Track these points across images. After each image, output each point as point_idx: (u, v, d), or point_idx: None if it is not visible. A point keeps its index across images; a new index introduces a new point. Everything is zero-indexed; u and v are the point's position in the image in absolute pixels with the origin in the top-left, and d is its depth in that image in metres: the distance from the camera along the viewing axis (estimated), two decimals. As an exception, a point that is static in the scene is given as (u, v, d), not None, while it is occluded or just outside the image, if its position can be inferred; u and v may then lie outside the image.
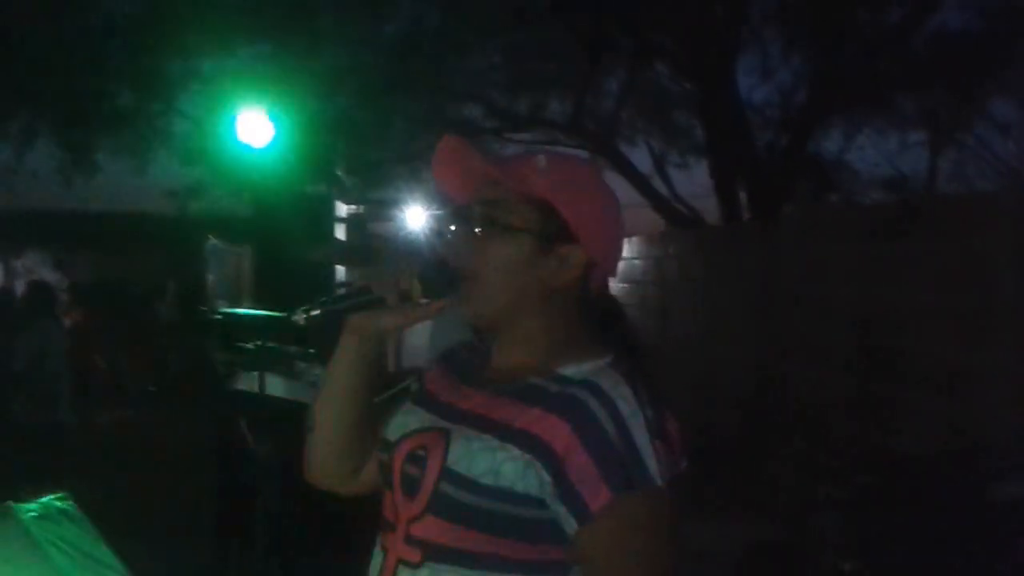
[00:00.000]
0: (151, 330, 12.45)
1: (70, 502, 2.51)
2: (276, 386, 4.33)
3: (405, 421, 1.52)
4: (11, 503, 2.36)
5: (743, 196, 8.90)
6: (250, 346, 4.52)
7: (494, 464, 1.36)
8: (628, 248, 9.09)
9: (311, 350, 4.44)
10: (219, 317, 5.12)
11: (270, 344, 4.51)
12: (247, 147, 7.20)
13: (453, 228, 1.52)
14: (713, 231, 8.69)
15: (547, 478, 1.34)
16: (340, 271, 8.96)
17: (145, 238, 14.54)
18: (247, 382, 4.29)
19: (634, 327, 1.54)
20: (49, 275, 15.68)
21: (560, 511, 1.35)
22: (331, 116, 8.99)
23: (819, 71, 8.52)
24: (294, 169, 7.79)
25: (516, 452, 1.36)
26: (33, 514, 2.36)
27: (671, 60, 9.34)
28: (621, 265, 7.32)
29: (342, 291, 1.60)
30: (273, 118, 7.12)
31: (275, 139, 7.09)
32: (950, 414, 4.26)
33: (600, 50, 8.93)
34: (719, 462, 6.34)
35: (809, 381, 5.51)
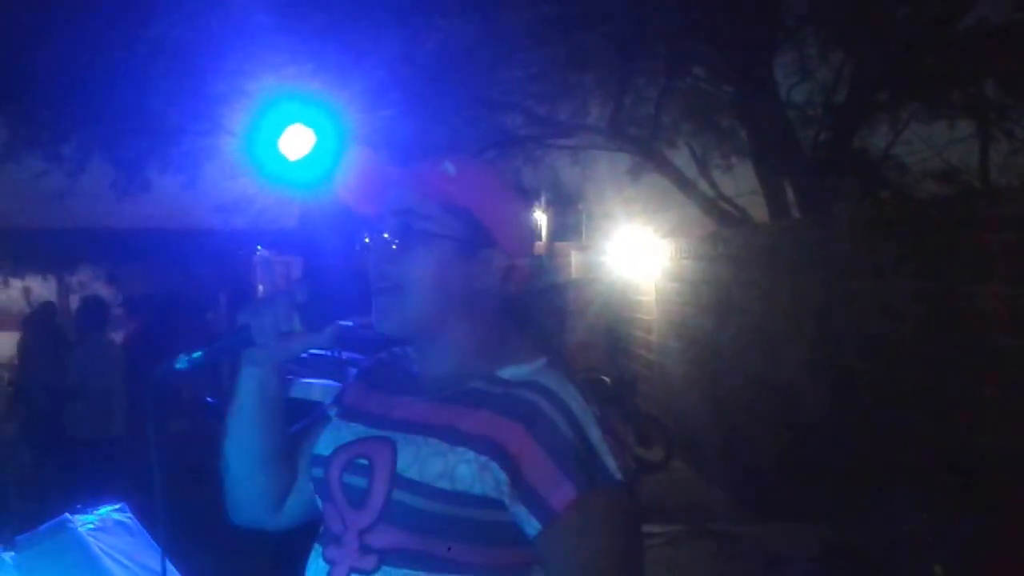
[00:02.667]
0: (204, 341, 12.61)
1: (128, 514, 2.53)
2: (330, 394, 4.36)
3: (336, 435, 1.52)
4: (69, 515, 2.39)
5: (790, 194, 8.82)
6: (303, 353, 4.54)
7: (447, 467, 1.36)
8: (679, 248, 9.06)
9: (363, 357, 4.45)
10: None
11: (322, 351, 4.53)
12: (291, 161, 7.26)
13: (368, 240, 1.50)
14: (766, 229, 8.62)
15: (504, 479, 1.34)
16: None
17: (195, 252, 14.73)
18: (301, 390, 4.31)
19: (548, 328, 1.58)
20: (103, 290, 15.95)
21: (521, 512, 1.35)
22: (373, 129, 9.04)
23: (860, 67, 8.42)
24: (337, 180, 7.85)
25: (470, 454, 1.36)
26: (91, 526, 2.39)
27: (708, 64, 9.29)
28: (674, 265, 7.35)
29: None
30: (317, 132, 7.16)
31: (319, 152, 7.12)
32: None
33: (636, 56, 8.91)
34: (787, 463, 6.27)
35: (876, 378, 5.41)
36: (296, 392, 4.19)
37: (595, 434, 1.37)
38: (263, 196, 10.93)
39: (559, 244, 15.14)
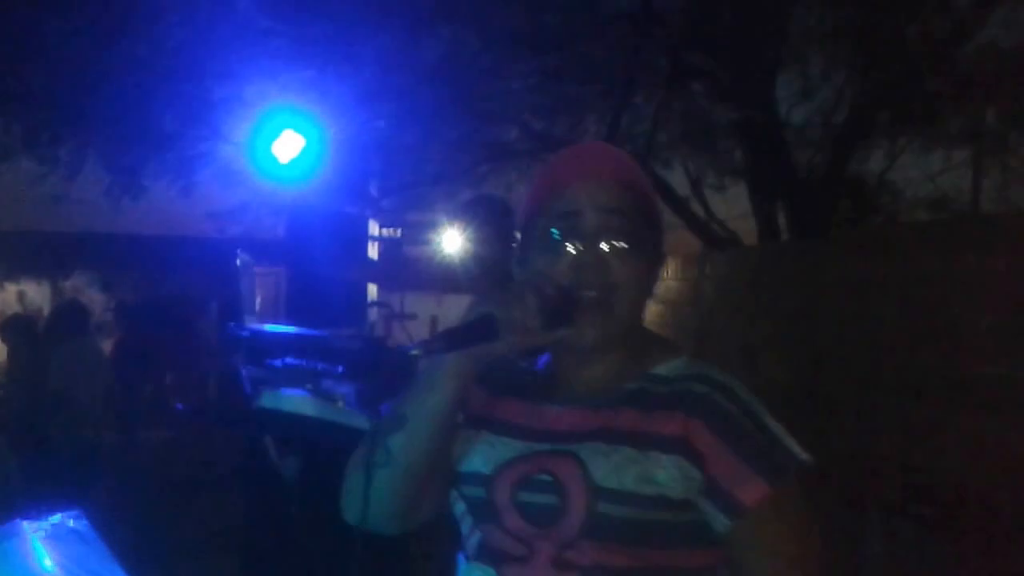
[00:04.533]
0: (194, 350, 12.58)
1: (83, 520, 2.50)
2: (303, 404, 4.33)
3: (492, 452, 1.45)
4: (21, 521, 2.36)
5: (782, 217, 8.81)
6: (277, 363, 4.52)
7: (645, 473, 1.33)
8: (664, 270, 9.04)
9: (339, 368, 4.43)
10: (246, 334, 5.12)
11: (297, 361, 4.51)
12: (284, 168, 7.26)
13: (582, 246, 1.40)
14: (752, 251, 8.60)
15: (697, 476, 1.33)
16: (372, 291, 9.00)
17: (189, 260, 14.71)
18: (272, 400, 4.29)
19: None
20: (97, 296, 15.93)
21: (709, 509, 1.34)
22: (368, 139, 9.05)
23: (861, 90, 8.42)
24: (330, 190, 7.83)
25: (662, 458, 1.33)
26: (43, 533, 2.36)
27: (709, 81, 9.29)
28: (658, 287, 7.28)
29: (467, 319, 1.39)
30: (311, 140, 7.16)
31: (312, 161, 7.13)
32: (1008, 439, 4.13)
33: (636, 71, 8.91)
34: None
35: (855, 403, 5.39)
36: (268, 402, 4.18)
37: (771, 421, 1.39)
38: (256, 205, 10.92)
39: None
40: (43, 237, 15.82)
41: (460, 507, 1.49)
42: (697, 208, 10.25)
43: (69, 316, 6.88)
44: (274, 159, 7.51)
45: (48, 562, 2.29)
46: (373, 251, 8.10)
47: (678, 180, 10.47)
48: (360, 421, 4.24)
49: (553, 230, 1.41)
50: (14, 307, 15.58)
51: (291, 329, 5.32)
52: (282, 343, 4.76)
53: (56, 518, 2.46)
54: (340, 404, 4.36)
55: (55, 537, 2.40)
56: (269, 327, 5.54)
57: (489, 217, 3.27)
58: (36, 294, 16.56)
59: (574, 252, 1.40)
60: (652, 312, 9.31)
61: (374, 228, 8.84)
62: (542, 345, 1.45)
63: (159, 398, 11.32)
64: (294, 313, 6.67)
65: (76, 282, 17.06)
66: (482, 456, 1.45)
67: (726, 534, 1.34)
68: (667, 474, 1.33)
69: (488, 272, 3.20)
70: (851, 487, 5.03)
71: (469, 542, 1.48)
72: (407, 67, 8.94)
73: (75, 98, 9.24)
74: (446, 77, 8.89)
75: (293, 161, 7.24)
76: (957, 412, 4.42)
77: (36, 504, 2.51)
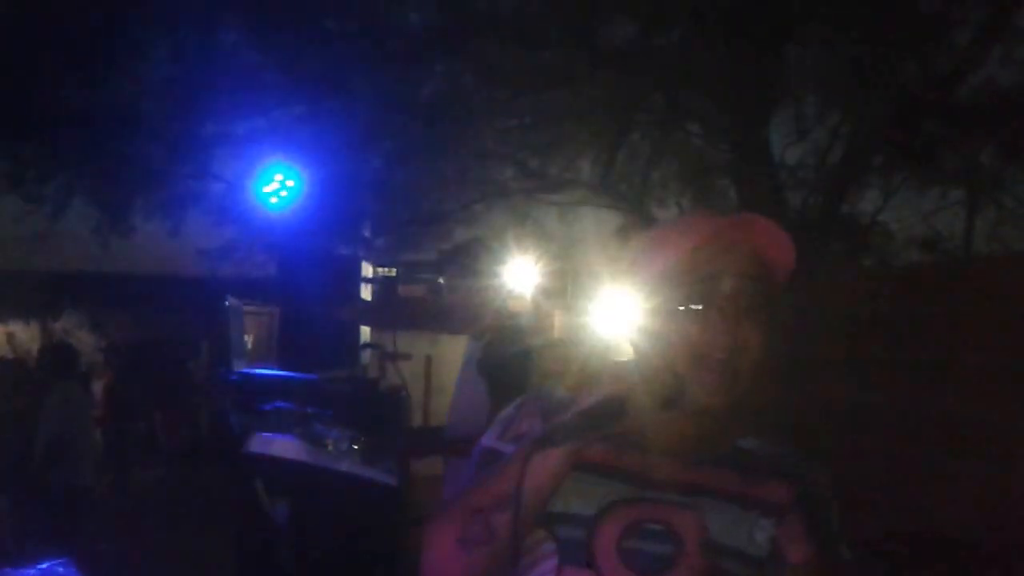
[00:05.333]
0: (185, 390, 12.52)
1: (72, 568, 2.46)
2: (292, 449, 4.29)
3: (592, 493, 1.43)
4: (8, 570, 2.33)
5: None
6: (267, 407, 4.48)
7: (749, 534, 1.39)
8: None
9: (329, 412, 4.39)
10: (236, 378, 5.09)
11: (287, 405, 4.47)
12: (276, 208, 7.24)
13: (718, 309, 1.41)
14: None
15: (774, 537, 1.40)
16: (365, 332, 8.95)
17: (179, 299, 14.66)
18: (261, 444, 4.24)
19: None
20: (86, 336, 15.86)
21: (767, 566, 1.40)
22: (361, 177, 9.04)
23: (856, 130, 8.44)
24: (322, 230, 7.82)
25: (763, 521, 1.40)
26: (30, 581, 2.31)
27: (703, 121, 9.32)
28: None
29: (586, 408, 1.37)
30: (303, 179, 7.15)
31: (304, 200, 7.12)
32: (991, 481, 4.12)
33: (632, 111, 8.93)
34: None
35: (839, 445, 5.37)
36: (257, 447, 4.13)
37: (838, 517, 1.46)
38: (247, 243, 10.87)
39: (544, 303, 15.08)
40: (32, 277, 15.77)
41: (546, 549, 1.44)
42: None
43: (58, 359, 6.82)
44: (265, 198, 7.51)
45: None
46: (366, 292, 8.06)
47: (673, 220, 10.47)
48: (349, 466, 4.20)
49: (692, 294, 1.41)
50: (3, 349, 15.51)
51: (281, 372, 5.30)
52: (272, 386, 4.73)
53: (45, 566, 2.43)
54: (330, 448, 4.31)
55: (42, 586, 2.37)
56: (259, 371, 5.52)
57: (475, 263, 3.26)
58: (25, 335, 16.48)
59: (711, 315, 1.40)
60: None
61: (367, 269, 8.79)
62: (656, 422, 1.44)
63: (150, 440, 11.24)
64: (286, 354, 6.64)
65: (66, 323, 16.99)
66: (581, 497, 1.43)
67: None
68: (763, 538, 1.39)
69: (480, 314, 3.18)
70: (842, 527, 4.99)
71: None
72: (401, 105, 8.96)
73: (62, 135, 9.23)
74: (440, 115, 8.90)
75: (283, 200, 7.24)
76: (942, 453, 4.41)
77: (24, 551, 2.46)
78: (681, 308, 1.42)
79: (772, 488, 1.42)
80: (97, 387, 10.26)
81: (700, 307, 1.41)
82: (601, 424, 1.33)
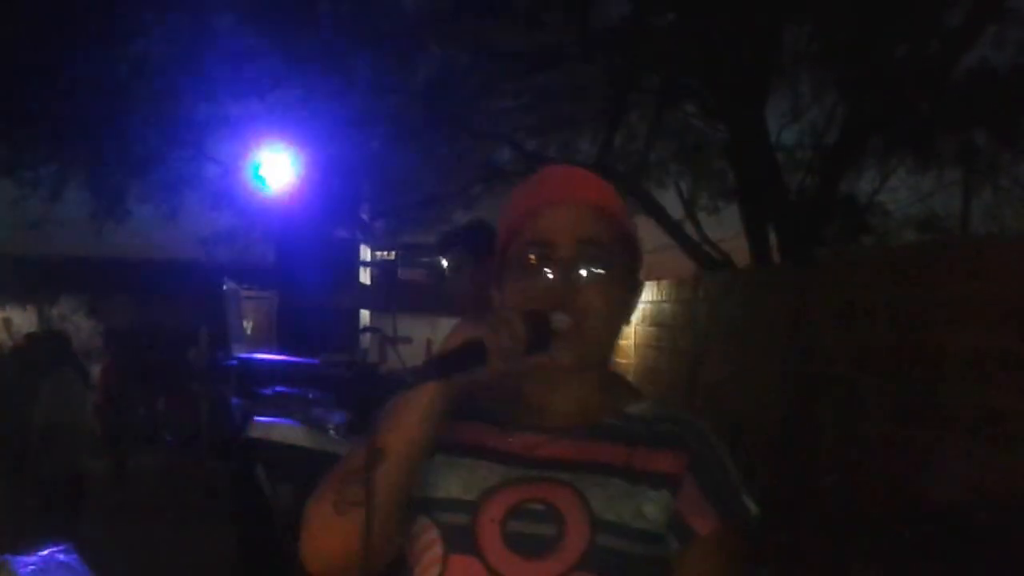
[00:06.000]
0: (184, 376, 12.49)
1: (73, 554, 2.46)
2: (293, 433, 4.28)
3: (472, 477, 1.39)
4: (9, 557, 2.32)
5: (773, 239, 8.79)
6: (267, 392, 4.48)
7: (636, 507, 1.33)
8: (658, 292, 9.02)
9: (330, 395, 4.39)
10: (235, 363, 5.08)
11: (287, 390, 4.47)
12: (273, 191, 7.22)
13: (557, 272, 1.38)
14: (745, 274, 8.57)
15: (673, 506, 1.35)
16: (365, 316, 8.95)
17: (177, 285, 14.65)
18: (262, 429, 4.24)
19: None
20: (83, 321, 15.85)
21: (669, 536, 1.35)
22: (358, 161, 9.02)
23: (853, 110, 8.43)
24: (320, 213, 7.81)
25: (652, 493, 1.34)
26: (32, 567, 2.31)
27: (699, 102, 9.31)
28: (653, 309, 7.25)
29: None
30: (300, 163, 7.13)
31: (301, 183, 7.10)
32: (995, 461, 4.12)
33: (627, 92, 8.91)
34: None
35: (843, 426, 5.38)
36: (257, 432, 4.12)
37: (734, 470, 1.41)
38: (246, 229, 10.85)
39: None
40: (28, 262, 15.75)
41: (429, 536, 1.39)
42: (690, 230, 10.24)
43: (50, 347, 6.81)
44: (262, 181, 7.49)
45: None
46: (365, 276, 8.05)
47: (671, 202, 10.47)
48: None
49: (530, 255, 1.39)
50: (0, 334, 15.49)
51: (281, 357, 5.28)
52: (272, 371, 4.72)
53: (45, 552, 2.42)
54: (331, 432, 4.31)
55: (44, 571, 2.36)
56: (259, 355, 5.50)
57: (484, 243, 3.24)
58: (22, 321, 16.45)
59: (550, 278, 1.38)
60: (648, 335, 9.29)
61: (366, 253, 8.78)
62: (521, 370, 1.38)
63: (149, 425, 11.24)
64: (286, 339, 6.63)
65: (63, 308, 16.97)
66: (461, 481, 1.39)
67: (674, 560, 1.36)
68: (654, 508, 1.34)
69: (484, 297, 3.16)
70: (839, 508, 5.01)
71: (422, 568, 1.40)
72: (398, 88, 8.94)
73: (57, 119, 9.19)
74: (438, 98, 8.87)
75: (280, 183, 7.23)
76: (944, 435, 4.41)
77: (25, 538, 2.46)
78: (524, 269, 1.39)
79: (660, 458, 1.37)
80: (94, 371, 10.25)
81: (540, 270, 1.38)
82: (461, 366, 1.28)
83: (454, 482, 1.39)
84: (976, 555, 3.65)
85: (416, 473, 1.35)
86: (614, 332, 1.43)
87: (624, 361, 10.25)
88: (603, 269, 1.38)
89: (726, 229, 10.14)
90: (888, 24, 7.75)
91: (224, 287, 8.56)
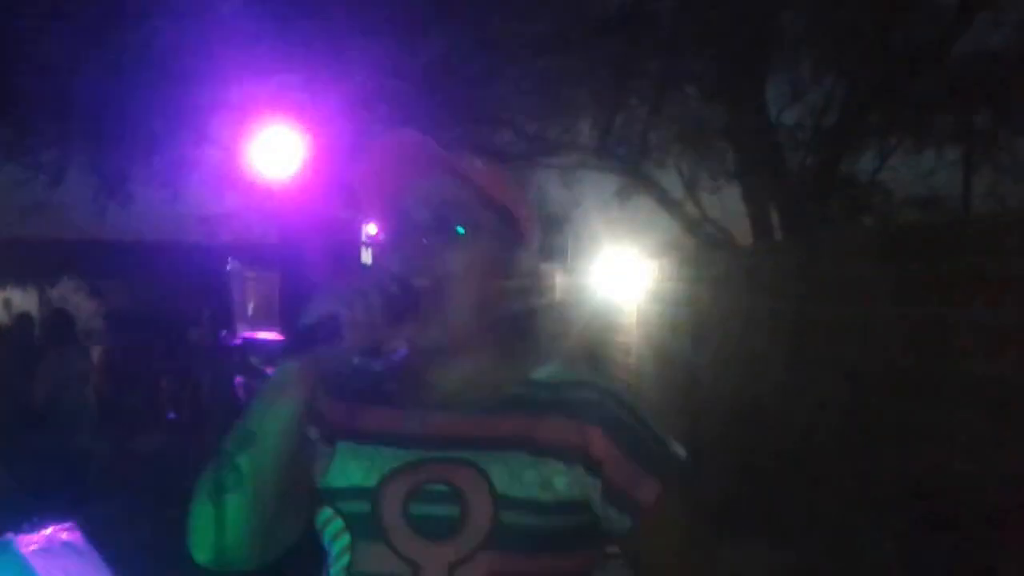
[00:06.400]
0: (185, 356, 12.52)
1: (77, 533, 2.46)
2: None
3: (371, 463, 1.36)
4: (12, 535, 2.32)
5: (775, 218, 8.81)
6: (269, 371, 4.49)
7: (543, 479, 1.30)
8: (661, 270, 9.03)
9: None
10: (239, 342, 5.09)
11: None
12: (275, 173, 7.22)
13: (410, 237, 1.36)
14: (747, 252, 8.58)
15: (592, 482, 1.31)
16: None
17: (179, 266, 14.66)
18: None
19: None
20: (85, 303, 15.87)
21: (611, 514, 1.33)
22: (360, 142, 9.00)
23: (852, 90, 8.43)
24: (321, 195, 7.82)
25: (559, 465, 1.31)
26: (35, 547, 2.32)
27: (700, 84, 9.29)
28: (655, 287, 7.22)
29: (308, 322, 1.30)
30: (302, 145, 7.12)
31: (303, 165, 7.10)
32: (1003, 437, 4.11)
33: (628, 74, 8.90)
34: (755, 488, 6.22)
35: (851, 403, 5.38)
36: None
37: (653, 423, 1.39)
38: (247, 210, 10.88)
39: (544, 265, 15.05)
40: (29, 244, 15.76)
41: (335, 526, 1.37)
42: (692, 209, 10.25)
43: (58, 325, 6.84)
44: (264, 163, 7.48)
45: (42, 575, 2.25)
46: (367, 255, 8.06)
47: (672, 182, 10.48)
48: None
49: (388, 226, 1.39)
50: (0, 315, 15.52)
51: (284, 337, 5.28)
52: (275, 351, 4.72)
53: (49, 531, 2.42)
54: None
55: (49, 551, 2.36)
56: (262, 335, 5.50)
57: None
58: (22, 302, 16.48)
59: (408, 245, 1.36)
60: (650, 312, 9.31)
61: (367, 232, 8.79)
62: (392, 344, 1.40)
63: (151, 406, 11.27)
64: (288, 319, 6.63)
65: (63, 289, 16.99)
66: (360, 468, 1.36)
67: (626, 534, 1.35)
68: (565, 480, 1.31)
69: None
70: (851, 486, 5.02)
71: (338, 564, 1.37)
72: (400, 71, 8.92)
73: (59, 102, 9.18)
74: (439, 81, 8.86)
75: (282, 165, 7.22)
76: (954, 411, 4.40)
77: (28, 517, 2.47)
78: (385, 241, 1.39)
79: (568, 428, 1.33)
80: (95, 353, 10.28)
81: (399, 239, 1.37)
82: (316, 342, 1.27)
83: (354, 470, 1.36)
84: (988, 532, 3.65)
85: (291, 455, 1.32)
86: (482, 296, 1.37)
87: (626, 339, 10.28)
88: (461, 231, 1.35)
89: (727, 209, 10.15)
90: (886, 4, 7.75)
91: (228, 267, 8.61)
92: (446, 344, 1.37)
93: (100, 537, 2.49)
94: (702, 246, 9.58)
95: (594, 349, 12.11)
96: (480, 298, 1.37)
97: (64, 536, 2.42)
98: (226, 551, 1.32)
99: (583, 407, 1.34)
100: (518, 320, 1.44)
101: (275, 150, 7.61)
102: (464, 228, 1.35)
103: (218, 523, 1.30)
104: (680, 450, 1.39)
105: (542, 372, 1.41)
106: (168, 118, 9.57)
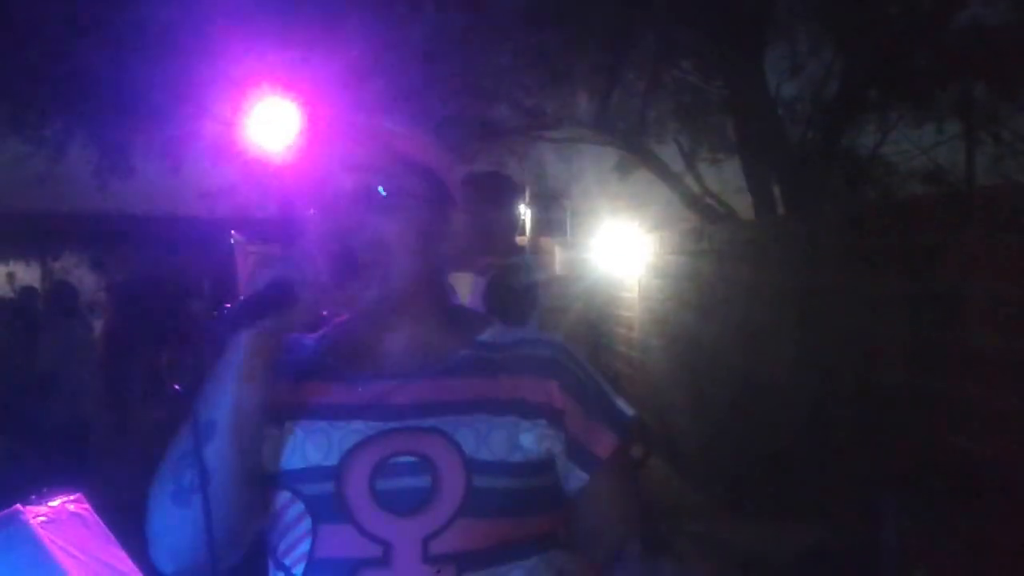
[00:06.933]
0: (186, 329, 12.53)
1: (84, 504, 2.47)
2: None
3: (328, 440, 1.29)
4: (20, 507, 2.33)
5: (776, 191, 8.80)
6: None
7: (511, 440, 1.29)
8: (662, 244, 9.04)
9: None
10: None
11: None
12: (273, 147, 7.23)
13: (346, 204, 1.33)
14: (750, 225, 8.57)
15: (556, 434, 1.32)
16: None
17: (180, 239, 14.65)
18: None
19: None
20: (86, 275, 15.87)
21: (568, 467, 1.34)
22: (358, 116, 9.00)
23: (851, 63, 8.40)
24: (320, 169, 7.82)
25: (523, 423, 1.30)
26: (43, 518, 2.33)
27: (698, 57, 9.26)
28: (657, 261, 7.21)
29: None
30: (300, 119, 7.12)
31: (301, 139, 7.09)
32: (1014, 411, 4.10)
33: (626, 47, 8.86)
34: (767, 463, 6.23)
35: (859, 378, 5.36)
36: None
37: (601, 378, 1.41)
38: (246, 183, 10.87)
39: (543, 240, 15.07)
40: (32, 218, 15.76)
41: (294, 511, 1.29)
42: (692, 183, 10.23)
43: (61, 298, 6.88)
44: (263, 137, 7.48)
45: (50, 548, 2.27)
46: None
47: (672, 155, 10.46)
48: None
49: (329, 193, 1.35)
50: (3, 288, 15.54)
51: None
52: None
53: (56, 502, 2.44)
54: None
55: (56, 522, 2.38)
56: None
57: (496, 193, 3.23)
58: (25, 275, 16.50)
59: (345, 211, 1.32)
60: (653, 287, 9.32)
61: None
62: (339, 306, 1.35)
63: (153, 379, 11.29)
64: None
65: (66, 262, 17.01)
66: (318, 447, 1.29)
67: (578, 489, 1.35)
68: (531, 437, 1.30)
69: (494, 248, 3.17)
70: (862, 462, 5.02)
71: (295, 552, 1.29)
72: (396, 45, 8.88)
73: (62, 77, 9.16)
74: (436, 55, 8.82)
75: (281, 140, 7.22)
76: (961, 384, 4.39)
77: (35, 489, 2.49)
78: (326, 207, 1.35)
79: (525, 385, 1.32)
80: (98, 326, 10.29)
81: (339, 205, 1.33)
82: (267, 310, 1.21)
83: (311, 449, 1.29)
84: (1005, 507, 3.65)
85: (253, 443, 1.25)
86: (418, 259, 1.35)
87: (629, 314, 10.29)
88: (381, 192, 1.33)
89: (727, 182, 10.14)
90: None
91: (232, 241, 8.58)
92: (389, 307, 1.34)
93: (105, 509, 2.50)
94: (705, 219, 9.57)
95: (596, 324, 12.14)
96: (414, 261, 1.34)
97: (71, 507, 2.43)
98: (198, 555, 1.22)
99: (538, 363, 1.35)
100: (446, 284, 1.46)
101: (273, 124, 7.60)
102: (385, 190, 1.33)
103: (185, 526, 1.21)
104: (627, 407, 1.41)
105: (487, 334, 1.41)
106: (168, 92, 9.56)
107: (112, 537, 2.35)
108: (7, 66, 9.09)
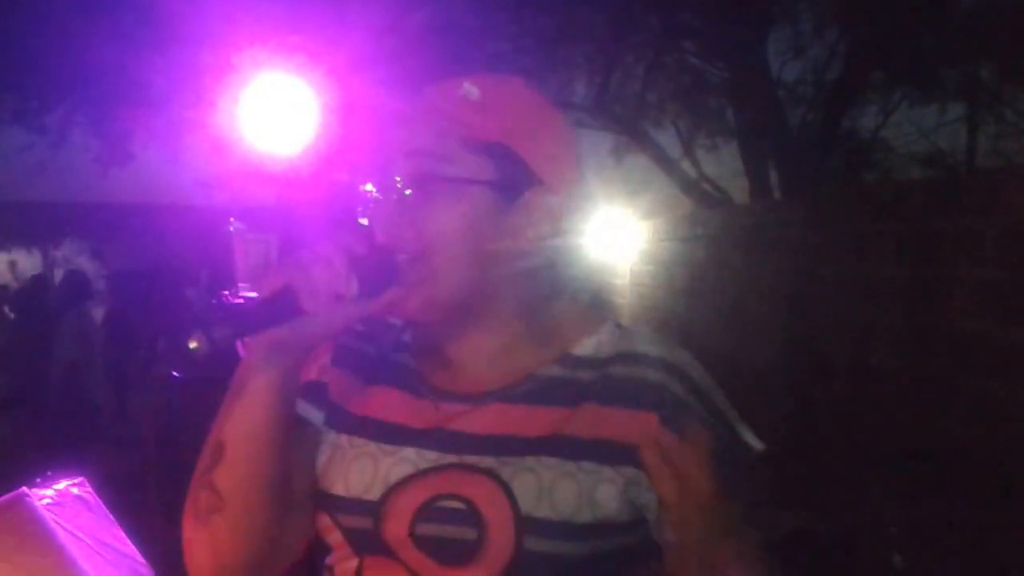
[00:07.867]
0: (184, 316, 12.58)
1: (87, 488, 2.51)
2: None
3: (376, 468, 1.14)
4: (25, 490, 2.37)
5: (774, 175, 8.80)
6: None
7: (583, 493, 1.07)
8: (656, 230, 9.05)
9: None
10: (241, 301, 5.09)
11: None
12: (273, 135, 7.23)
13: (380, 197, 1.14)
14: (745, 210, 8.56)
15: (648, 487, 1.07)
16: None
17: (178, 227, 14.70)
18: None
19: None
20: (86, 264, 15.93)
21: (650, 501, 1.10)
22: (359, 105, 8.99)
23: (855, 44, 8.38)
24: (319, 157, 7.82)
25: (605, 470, 1.08)
26: (47, 501, 2.36)
27: (699, 40, 9.24)
28: (650, 247, 7.23)
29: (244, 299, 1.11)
30: (300, 107, 7.12)
31: (302, 128, 7.10)
32: (1011, 397, 4.12)
33: (625, 30, 8.85)
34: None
35: (851, 363, 5.38)
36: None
37: (724, 404, 1.19)
38: (245, 171, 10.87)
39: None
40: (33, 206, 15.80)
41: (334, 537, 1.18)
42: (688, 168, 10.23)
43: (75, 285, 6.96)
44: (263, 125, 7.48)
45: (55, 530, 2.30)
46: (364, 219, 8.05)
47: (669, 140, 10.45)
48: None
49: (363, 185, 1.18)
50: (5, 276, 15.58)
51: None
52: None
53: (61, 485, 2.47)
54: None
55: (60, 505, 2.41)
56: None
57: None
58: (27, 263, 16.55)
59: (382, 203, 1.14)
60: (644, 273, 9.33)
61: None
62: (374, 315, 1.14)
63: (151, 365, 11.34)
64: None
65: (66, 251, 17.05)
66: (363, 474, 1.14)
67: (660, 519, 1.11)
68: (611, 490, 1.08)
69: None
70: (853, 448, 5.04)
71: (337, 570, 1.19)
72: (395, 30, 8.88)
73: (63, 65, 9.17)
74: (434, 40, 8.82)
75: (280, 126, 7.22)
76: (956, 370, 4.40)
77: (39, 471, 2.52)
78: (368, 195, 1.16)
79: (617, 418, 1.09)
80: (97, 314, 10.36)
81: (375, 197, 1.15)
82: (266, 322, 1.06)
83: (355, 477, 1.14)
84: (994, 494, 3.66)
85: (271, 468, 1.11)
86: (468, 263, 1.12)
87: (620, 300, 10.29)
88: (439, 185, 1.11)
89: (724, 167, 10.14)
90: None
91: (231, 229, 8.61)
92: (447, 317, 1.15)
93: (107, 493, 2.54)
94: (700, 205, 9.57)
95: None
96: (471, 261, 1.12)
97: (75, 491, 2.47)
98: (226, 572, 1.14)
99: (637, 388, 1.11)
100: (548, 277, 1.18)
101: (273, 112, 7.60)
102: (439, 182, 1.12)
103: (210, 545, 1.12)
104: (755, 441, 1.19)
105: (589, 344, 1.17)
106: (167, 80, 9.57)
107: (113, 519, 2.38)
108: (9, 55, 9.11)
